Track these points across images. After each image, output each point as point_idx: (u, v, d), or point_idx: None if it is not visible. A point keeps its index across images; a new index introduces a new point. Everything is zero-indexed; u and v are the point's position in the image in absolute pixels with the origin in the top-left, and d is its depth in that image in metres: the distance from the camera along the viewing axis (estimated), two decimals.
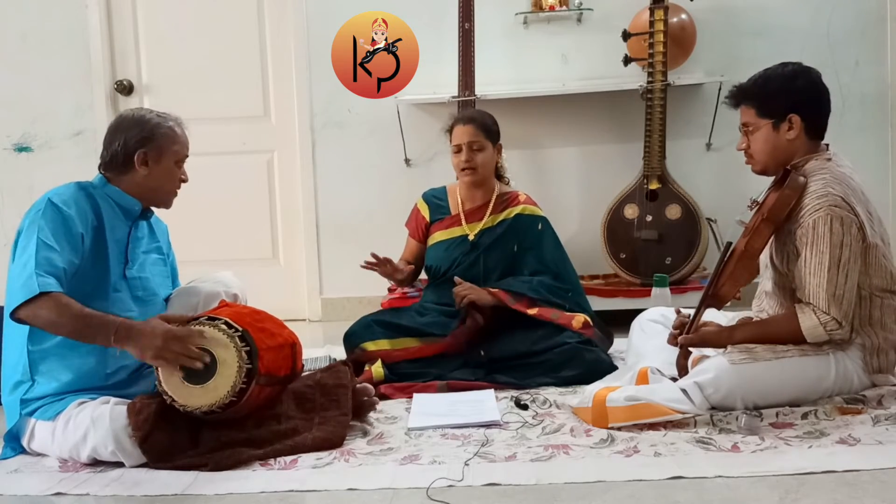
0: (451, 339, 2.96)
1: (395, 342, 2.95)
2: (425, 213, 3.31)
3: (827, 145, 2.52)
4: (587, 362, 2.84)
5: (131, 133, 2.43)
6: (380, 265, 3.08)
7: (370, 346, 2.94)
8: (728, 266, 2.46)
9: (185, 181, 2.53)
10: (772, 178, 2.54)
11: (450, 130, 3.22)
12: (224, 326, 2.22)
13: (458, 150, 3.15)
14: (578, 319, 2.98)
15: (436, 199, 3.32)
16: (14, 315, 2.20)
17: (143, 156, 2.42)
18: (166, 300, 2.60)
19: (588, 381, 2.65)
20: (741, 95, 2.52)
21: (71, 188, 2.38)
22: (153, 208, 2.57)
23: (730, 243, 2.49)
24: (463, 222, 3.22)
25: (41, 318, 2.18)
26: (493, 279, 3.13)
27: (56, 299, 2.18)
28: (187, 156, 2.53)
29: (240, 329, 2.23)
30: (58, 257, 2.24)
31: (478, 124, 3.16)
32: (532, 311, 2.98)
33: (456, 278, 3.05)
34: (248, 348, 2.21)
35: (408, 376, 2.86)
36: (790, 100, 2.45)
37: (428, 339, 2.96)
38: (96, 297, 2.34)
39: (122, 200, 2.45)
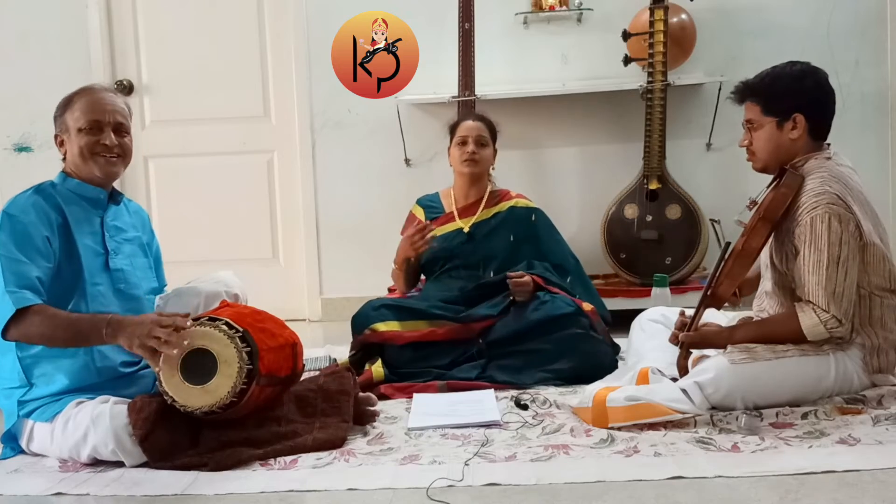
0: (462, 327, 2.95)
1: (405, 324, 2.96)
2: (420, 215, 3.36)
3: (828, 145, 2.52)
4: (584, 353, 2.85)
5: (55, 120, 2.43)
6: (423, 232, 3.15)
7: (381, 326, 2.95)
8: (726, 265, 2.46)
9: (107, 145, 2.34)
10: (770, 178, 2.55)
11: (453, 126, 3.34)
12: (225, 327, 2.21)
13: (463, 142, 3.26)
14: (588, 306, 3.03)
15: (429, 203, 3.40)
16: (6, 338, 2.19)
17: (58, 139, 2.41)
18: (153, 293, 2.57)
19: (586, 373, 2.68)
20: (747, 92, 2.51)
21: (26, 194, 2.34)
22: (146, 200, 2.54)
23: (729, 243, 2.49)
24: (457, 218, 3.30)
25: (33, 335, 2.18)
26: (492, 267, 3.19)
27: (41, 313, 2.17)
28: (98, 119, 2.34)
29: (240, 329, 2.23)
30: (28, 268, 2.21)
31: (486, 123, 3.33)
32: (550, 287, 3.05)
33: (509, 275, 3.04)
34: (248, 349, 2.20)
35: (408, 376, 2.86)
36: (796, 99, 2.45)
37: (437, 322, 2.97)
38: (74, 295, 2.32)
39: (86, 192, 2.41)
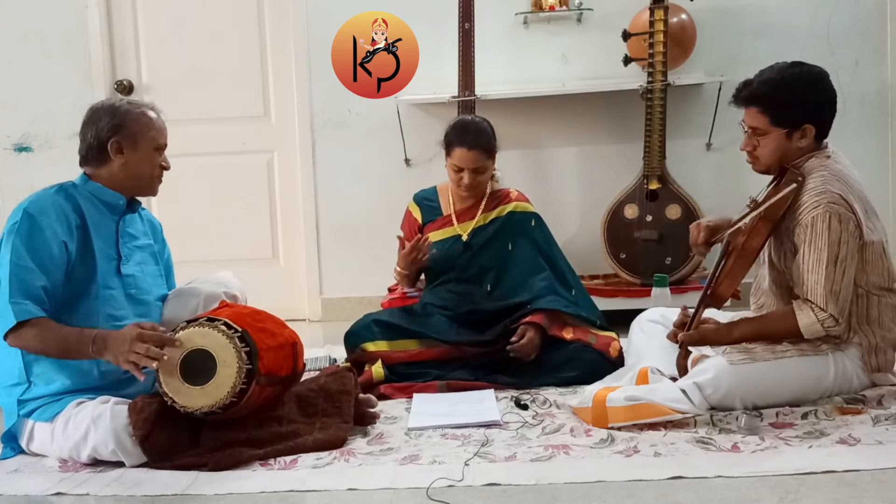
0: (453, 349, 2.93)
1: (393, 344, 2.94)
2: (417, 215, 3.30)
3: (826, 143, 2.52)
4: (587, 363, 2.84)
5: (103, 122, 2.39)
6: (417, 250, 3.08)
7: (370, 346, 2.94)
8: (726, 264, 2.47)
9: (166, 168, 2.49)
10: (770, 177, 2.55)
11: (448, 146, 3.12)
12: (223, 327, 2.21)
13: (458, 170, 3.09)
14: (615, 347, 2.94)
15: (427, 201, 3.30)
16: (6, 342, 2.22)
17: (117, 144, 2.38)
18: (162, 300, 2.58)
19: (588, 382, 2.65)
20: (752, 99, 2.47)
21: (49, 193, 2.35)
22: (140, 199, 2.54)
23: (728, 242, 2.50)
24: (455, 222, 3.21)
25: (30, 347, 2.23)
26: (489, 280, 3.13)
27: (38, 325, 2.19)
28: (166, 143, 2.48)
29: (239, 329, 2.23)
30: (35, 277, 2.22)
31: (482, 149, 3.07)
32: (569, 336, 2.94)
33: (510, 349, 2.87)
34: (247, 349, 2.20)
35: (408, 376, 2.85)
36: (807, 110, 2.44)
37: (427, 341, 2.95)
38: (87, 297, 2.34)
39: (105, 196, 2.42)
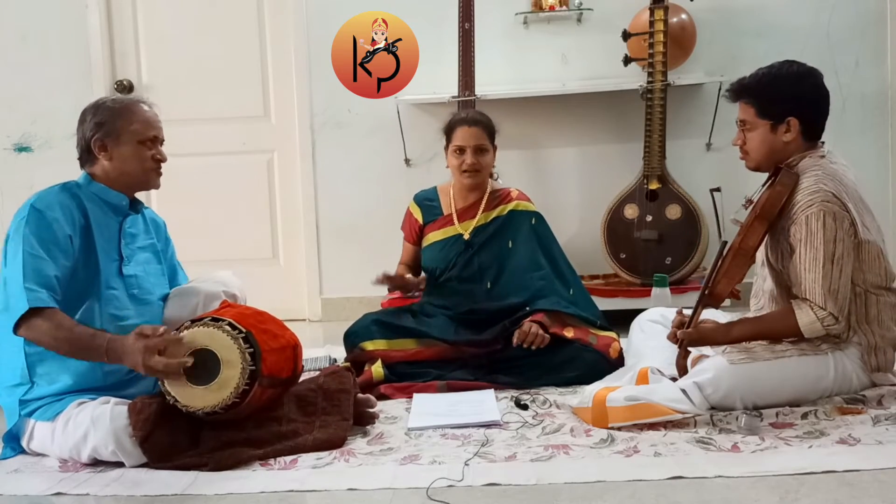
0: (452, 348, 2.93)
1: (392, 343, 2.94)
2: (418, 215, 3.30)
3: (822, 143, 2.53)
4: (587, 363, 2.84)
5: (88, 122, 2.40)
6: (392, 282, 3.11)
7: (368, 345, 2.94)
8: (723, 264, 2.47)
9: (161, 160, 2.47)
10: (766, 176, 2.56)
11: (449, 130, 3.19)
12: (228, 328, 2.21)
13: (461, 151, 3.13)
14: (615, 348, 2.93)
15: (427, 201, 3.31)
16: (16, 334, 2.21)
17: (99, 143, 2.39)
18: (164, 299, 2.58)
19: (588, 382, 2.64)
20: (742, 92, 2.51)
21: (54, 190, 2.36)
22: (140, 199, 2.53)
23: (725, 242, 2.50)
24: (456, 221, 3.21)
25: (42, 341, 2.21)
26: (489, 277, 3.14)
27: (51, 318, 2.18)
28: (156, 135, 2.45)
29: (244, 330, 2.22)
30: (48, 266, 2.23)
31: (483, 127, 3.15)
32: (569, 334, 2.94)
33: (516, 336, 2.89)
34: (251, 350, 2.20)
35: (408, 376, 2.85)
36: (791, 104, 2.45)
37: (426, 340, 2.96)
38: (89, 297, 2.34)
39: (108, 196, 2.42)
